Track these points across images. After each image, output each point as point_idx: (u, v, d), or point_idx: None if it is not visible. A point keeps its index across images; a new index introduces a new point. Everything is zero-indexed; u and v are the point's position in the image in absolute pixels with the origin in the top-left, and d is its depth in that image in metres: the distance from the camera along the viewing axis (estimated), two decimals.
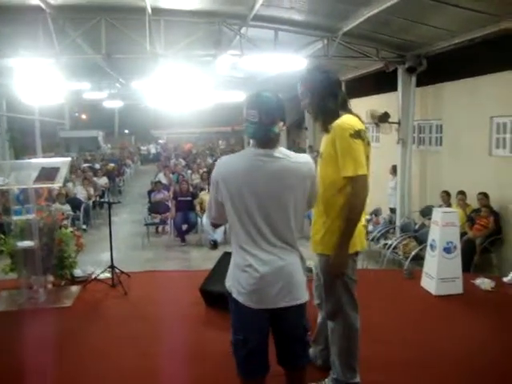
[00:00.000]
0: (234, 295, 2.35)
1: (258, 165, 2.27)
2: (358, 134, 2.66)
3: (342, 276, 2.77)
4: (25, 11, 7.06)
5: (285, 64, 8.50)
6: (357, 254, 2.89)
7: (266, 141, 2.30)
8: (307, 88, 2.84)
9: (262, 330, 2.38)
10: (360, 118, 2.84)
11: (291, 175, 2.30)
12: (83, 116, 33.87)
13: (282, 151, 2.33)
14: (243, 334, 2.36)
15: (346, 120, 2.72)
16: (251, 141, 2.39)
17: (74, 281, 5.42)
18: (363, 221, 2.89)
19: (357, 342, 2.93)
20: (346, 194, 2.69)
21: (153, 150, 34.98)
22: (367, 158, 2.77)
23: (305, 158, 2.41)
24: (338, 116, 2.74)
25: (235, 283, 2.34)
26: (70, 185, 12.84)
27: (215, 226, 2.51)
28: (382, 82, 10.74)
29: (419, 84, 9.04)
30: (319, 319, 3.27)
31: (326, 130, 2.79)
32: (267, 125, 2.26)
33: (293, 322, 2.42)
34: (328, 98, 2.78)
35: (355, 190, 2.64)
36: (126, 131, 38.48)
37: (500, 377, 3.44)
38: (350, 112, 2.83)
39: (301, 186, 2.34)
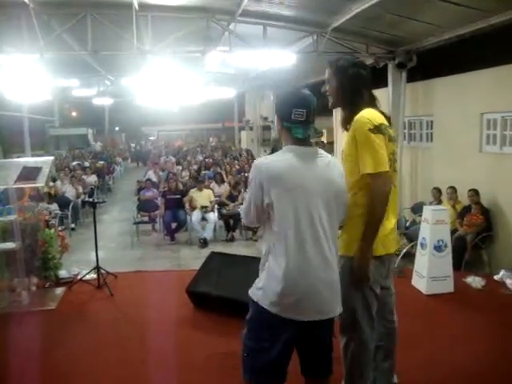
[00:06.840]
0: (264, 305, 2.16)
1: (309, 164, 2.21)
2: (377, 129, 2.48)
3: (367, 281, 2.48)
4: (7, 6, 6.91)
5: (274, 60, 8.44)
6: (380, 258, 2.58)
7: (309, 139, 2.26)
8: (336, 78, 2.68)
9: (290, 340, 2.21)
10: (384, 114, 2.68)
11: (336, 172, 2.28)
12: (73, 113, 33.54)
13: (318, 149, 2.30)
14: (269, 343, 2.17)
15: (365, 114, 2.53)
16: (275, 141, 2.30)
17: (58, 282, 5.32)
18: (392, 223, 2.73)
19: (369, 362, 2.66)
20: (366, 193, 2.50)
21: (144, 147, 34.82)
22: (392, 154, 2.66)
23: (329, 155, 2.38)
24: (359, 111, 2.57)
25: (269, 292, 2.16)
26: (58, 183, 12.67)
27: (249, 228, 2.26)
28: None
29: (409, 80, 8.99)
30: None
31: (345, 127, 2.66)
32: (312, 122, 2.24)
33: (322, 335, 2.28)
34: (355, 94, 2.64)
35: (374, 188, 2.44)
36: (117, 128, 38.19)
37: (491, 376, 3.40)
38: (375, 107, 2.66)
39: (342, 184, 2.32)
